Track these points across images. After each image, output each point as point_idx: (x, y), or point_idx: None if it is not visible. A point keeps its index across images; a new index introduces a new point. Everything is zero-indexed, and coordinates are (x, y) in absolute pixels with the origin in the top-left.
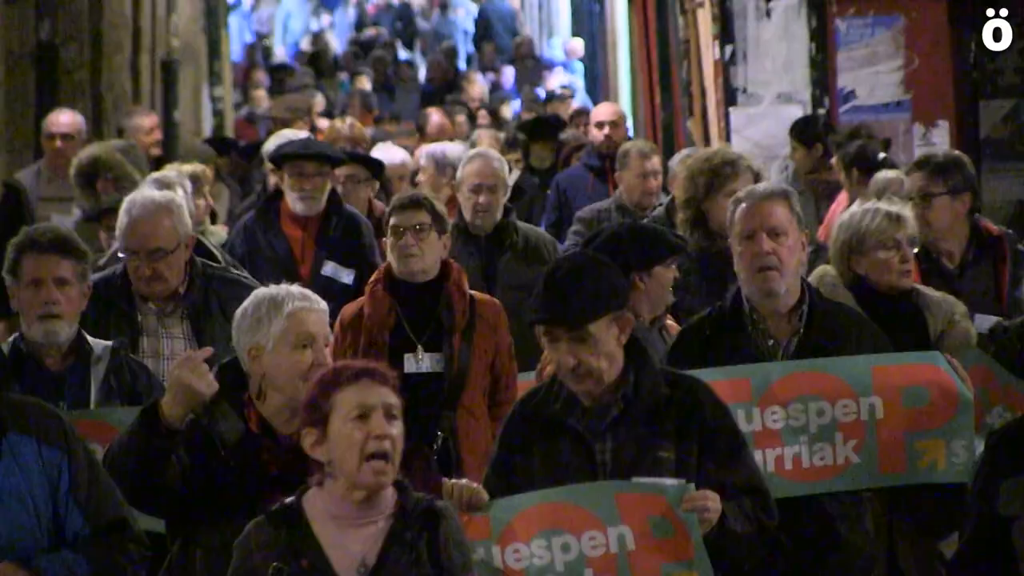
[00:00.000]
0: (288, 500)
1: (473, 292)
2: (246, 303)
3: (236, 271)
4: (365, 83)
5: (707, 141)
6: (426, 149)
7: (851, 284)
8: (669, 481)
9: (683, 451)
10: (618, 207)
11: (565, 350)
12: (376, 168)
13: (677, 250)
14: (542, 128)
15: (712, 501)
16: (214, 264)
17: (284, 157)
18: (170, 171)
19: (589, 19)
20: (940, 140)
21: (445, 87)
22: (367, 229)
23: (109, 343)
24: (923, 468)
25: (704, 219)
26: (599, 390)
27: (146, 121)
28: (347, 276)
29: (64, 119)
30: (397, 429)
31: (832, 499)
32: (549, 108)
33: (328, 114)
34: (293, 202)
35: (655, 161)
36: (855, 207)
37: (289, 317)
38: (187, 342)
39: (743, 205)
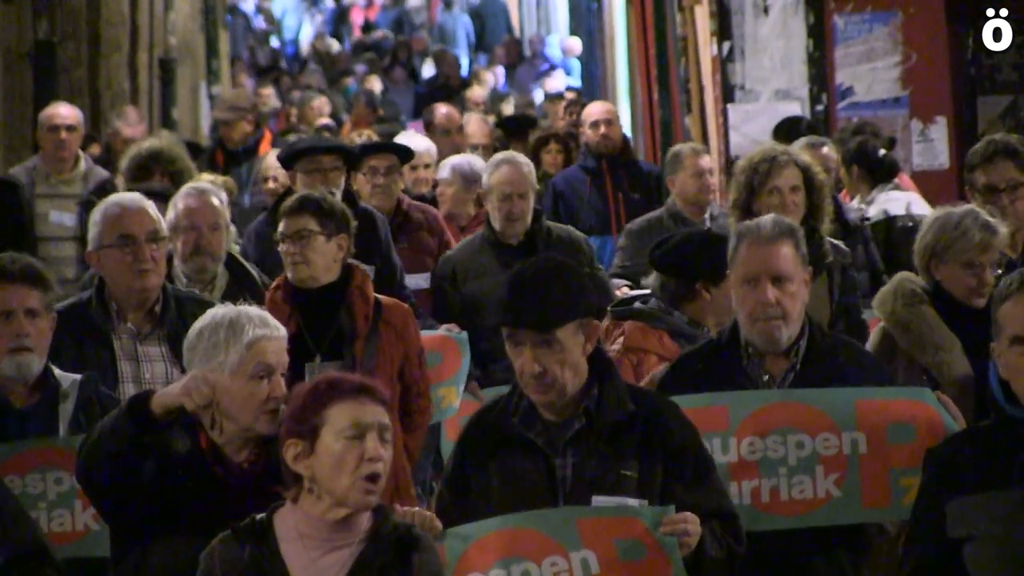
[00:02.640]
0: (259, 516)
1: (380, 296)
2: (201, 324)
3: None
4: (375, 83)
5: (705, 138)
6: (451, 162)
7: (929, 288)
8: (632, 501)
9: (647, 471)
10: (671, 215)
11: (529, 356)
12: (407, 157)
13: None
14: (514, 127)
15: (692, 524)
16: (180, 288)
17: (299, 153)
18: (203, 182)
19: (587, 16)
20: (938, 136)
21: (445, 90)
22: (383, 224)
23: (77, 377)
24: (908, 505)
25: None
26: (561, 402)
27: (127, 130)
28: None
29: (64, 111)
30: (389, 453)
31: (824, 553)
32: (547, 108)
33: (333, 117)
34: None
35: (708, 159)
36: (950, 207)
37: (249, 347)
38: (168, 364)
39: (745, 245)
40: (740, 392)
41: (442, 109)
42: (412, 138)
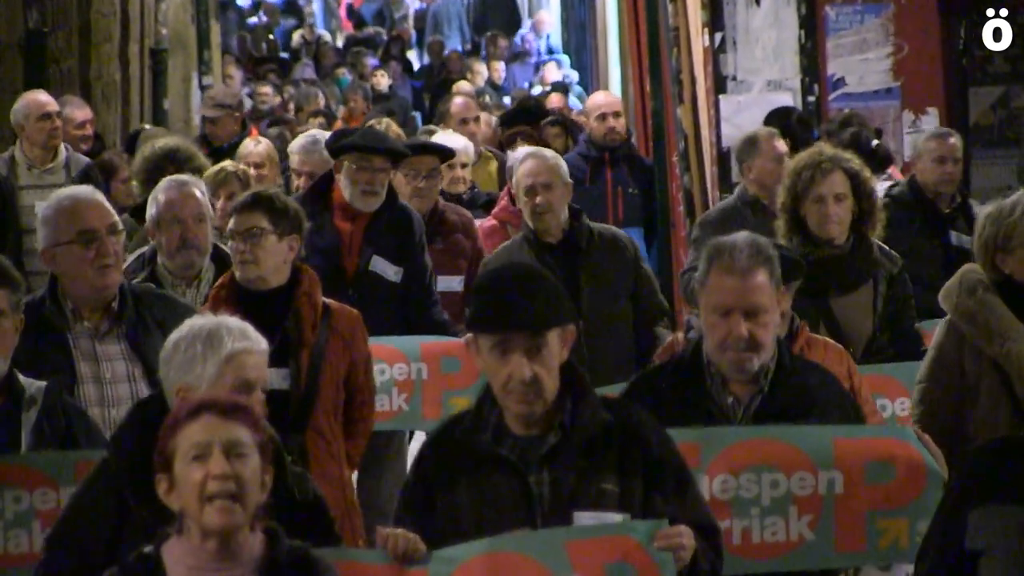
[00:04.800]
0: (147, 549)
1: (328, 301)
2: (178, 336)
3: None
4: (382, 79)
5: (697, 129)
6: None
7: (997, 282)
8: (614, 516)
9: (627, 484)
10: (746, 203)
11: (520, 362)
12: (447, 158)
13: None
14: (522, 117)
15: (687, 538)
16: (139, 284)
17: (352, 147)
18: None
19: (579, 7)
20: (930, 127)
21: (446, 84)
22: (418, 226)
23: (43, 383)
24: (884, 549)
25: (804, 225)
26: (541, 411)
27: (78, 114)
28: (394, 274)
29: (45, 98)
30: (246, 467)
31: None
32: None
33: (327, 111)
34: (353, 196)
35: (783, 142)
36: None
37: (228, 360)
38: (127, 363)
39: (717, 271)
40: (712, 428)
41: (458, 98)
42: (450, 137)
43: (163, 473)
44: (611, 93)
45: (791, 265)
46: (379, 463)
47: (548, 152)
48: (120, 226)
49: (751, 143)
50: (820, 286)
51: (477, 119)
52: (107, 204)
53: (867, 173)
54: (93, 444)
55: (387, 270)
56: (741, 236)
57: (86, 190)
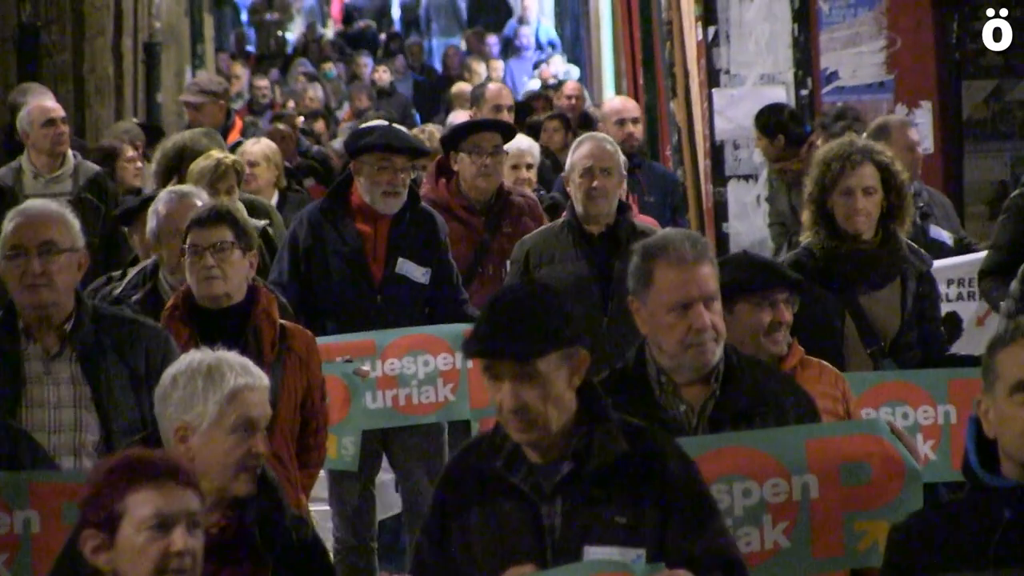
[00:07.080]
0: None
1: (284, 322)
2: (176, 370)
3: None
4: (383, 75)
5: (690, 123)
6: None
7: None
8: (626, 552)
9: (640, 517)
10: None
11: (508, 390)
12: (510, 136)
13: (756, 287)
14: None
15: None
16: (105, 305)
17: (373, 147)
18: (187, 185)
19: (573, 1)
20: (923, 121)
21: (447, 82)
22: (442, 226)
23: None
24: (862, 552)
25: (830, 217)
26: (546, 442)
27: (45, 104)
28: (422, 275)
29: (51, 103)
30: (199, 539)
31: None
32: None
33: (327, 109)
34: (375, 198)
35: (916, 131)
36: None
37: (231, 398)
38: (76, 387)
39: (664, 268)
40: (681, 439)
41: (493, 85)
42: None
43: (96, 530)
44: (629, 98)
45: (791, 282)
46: (421, 460)
47: (608, 137)
48: (62, 245)
49: (882, 131)
50: (847, 281)
51: (511, 108)
52: (56, 220)
53: (899, 166)
54: (40, 466)
55: (414, 272)
56: (673, 232)
57: (40, 205)
